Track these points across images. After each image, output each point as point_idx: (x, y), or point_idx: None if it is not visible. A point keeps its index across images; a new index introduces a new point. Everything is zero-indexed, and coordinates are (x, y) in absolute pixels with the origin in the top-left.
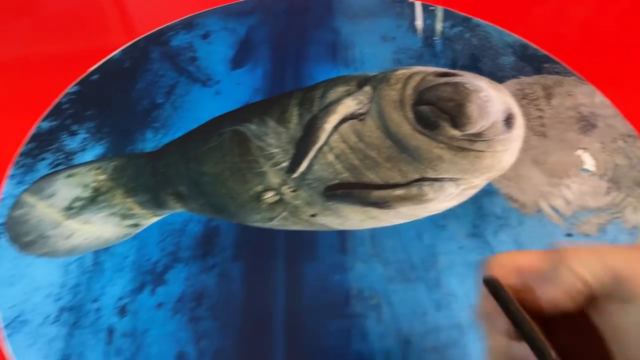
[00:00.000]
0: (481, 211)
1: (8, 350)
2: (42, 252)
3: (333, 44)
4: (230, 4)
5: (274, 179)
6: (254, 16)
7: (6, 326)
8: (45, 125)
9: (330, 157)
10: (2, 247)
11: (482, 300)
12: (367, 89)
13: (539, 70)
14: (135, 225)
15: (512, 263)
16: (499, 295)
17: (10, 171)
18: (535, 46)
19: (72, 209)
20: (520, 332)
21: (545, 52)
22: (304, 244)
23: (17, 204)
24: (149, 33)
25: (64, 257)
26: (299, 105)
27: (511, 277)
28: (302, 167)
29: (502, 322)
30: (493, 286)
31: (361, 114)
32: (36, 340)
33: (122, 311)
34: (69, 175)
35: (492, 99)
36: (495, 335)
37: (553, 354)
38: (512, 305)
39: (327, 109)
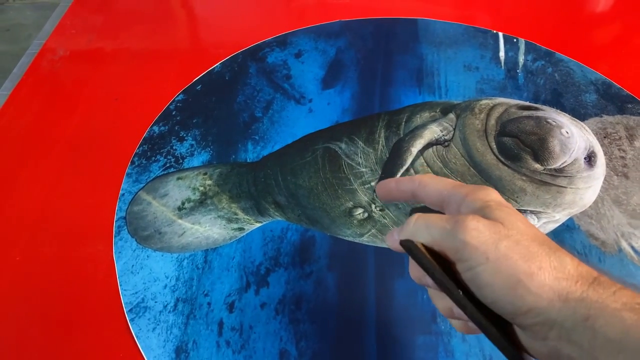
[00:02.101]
0: (561, 245)
1: (131, 333)
2: (158, 246)
3: (418, 69)
4: (320, 24)
5: (363, 196)
6: (342, 38)
7: (130, 311)
8: (156, 129)
9: None
10: (124, 238)
11: (412, 266)
12: (452, 116)
13: (622, 110)
14: (240, 229)
15: (424, 222)
16: (412, 252)
17: (127, 170)
18: (618, 85)
19: (183, 209)
20: (432, 278)
21: (629, 93)
22: (393, 260)
23: (135, 200)
24: (245, 48)
25: (178, 252)
26: (386, 128)
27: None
28: None
29: (429, 280)
30: (408, 246)
31: (446, 140)
32: (157, 326)
33: (231, 307)
34: (179, 178)
35: (574, 136)
36: (432, 293)
37: (459, 291)
38: (424, 259)
39: (413, 133)
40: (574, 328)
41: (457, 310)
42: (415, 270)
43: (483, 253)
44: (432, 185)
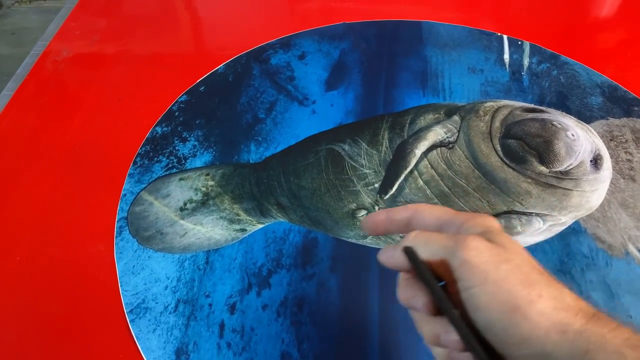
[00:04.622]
0: (568, 249)
1: (132, 334)
2: (160, 247)
3: (422, 71)
4: (323, 27)
5: (366, 198)
6: (346, 40)
7: (130, 311)
8: (159, 130)
9: (420, 182)
10: (126, 239)
11: (401, 287)
12: (456, 118)
13: (628, 113)
14: (243, 230)
15: (424, 235)
16: (414, 259)
17: (129, 170)
18: (624, 88)
19: (185, 210)
20: (430, 289)
21: (635, 95)
22: None
23: (137, 200)
24: (249, 50)
25: (179, 253)
26: (390, 129)
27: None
28: (393, 189)
29: (420, 304)
30: (410, 252)
31: (450, 143)
32: (157, 327)
33: (232, 309)
34: (182, 179)
35: (579, 138)
36: (418, 317)
37: (455, 310)
38: (425, 268)
39: (417, 134)
40: None
41: (445, 338)
42: (405, 291)
43: (482, 273)
44: (429, 212)
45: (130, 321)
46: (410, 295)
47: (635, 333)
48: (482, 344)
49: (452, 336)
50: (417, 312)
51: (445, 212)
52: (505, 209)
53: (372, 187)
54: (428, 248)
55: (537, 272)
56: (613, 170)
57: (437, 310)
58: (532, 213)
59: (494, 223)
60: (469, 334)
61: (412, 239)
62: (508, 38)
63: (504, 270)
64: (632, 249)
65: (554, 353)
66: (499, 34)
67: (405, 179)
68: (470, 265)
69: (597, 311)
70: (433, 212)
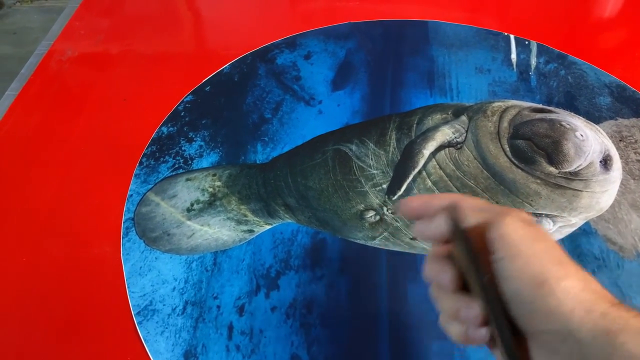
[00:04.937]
0: (578, 250)
1: (139, 336)
2: (167, 248)
3: (429, 71)
4: (329, 26)
5: (374, 199)
6: (352, 40)
7: (137, 313)
8: (165, 130)
9: (429, 182)
10: (132, 240)
11: (429, 262)
12: (464, 118)
13: (637, 113)
14: (250, 231)
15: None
16: (455, 216)
17: (135, 171)
18: (633, 88)
19: (192, 211)
20: (464, 252)
21: None
22: (405, 265)
23: (143, 201)
24: (255, 49)
25: (187, 254)
26: (397, 130)
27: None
28: (401, 190)
29: (447, 278)
30: (452, 209)
31: (458, 143)
32: (165, 329)
33: (241, 310)
34: (188, 179)
35: (588, 139)
36: (441, 294)
37: (485, 276)
38: (461, 228)
39: (425, 135)
40: (592, 343)
41: (465, 312)
42: (432, 266)
43: (517, 247)
44: (469, 201)
45: (137, 323)
46: (438, 269)
47: None
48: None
49: (474, 311)
50: (439, 288)
51: (485, 203)
52: None
53: (380, 187)
54: (470, 214)
55: (566, 256)
56: (623, 171)
57: (462, 286)
58: (542, 214)
59: (529, 216)
60: (495, 299)
61: (455, 203)
62: (515, 38)
63: (538, 248)
64: None
65: (576, 331)
66: (506, 34)
67: (414, 180)
68: (507, 238)
69: (619, 302)
70: (473, 202)
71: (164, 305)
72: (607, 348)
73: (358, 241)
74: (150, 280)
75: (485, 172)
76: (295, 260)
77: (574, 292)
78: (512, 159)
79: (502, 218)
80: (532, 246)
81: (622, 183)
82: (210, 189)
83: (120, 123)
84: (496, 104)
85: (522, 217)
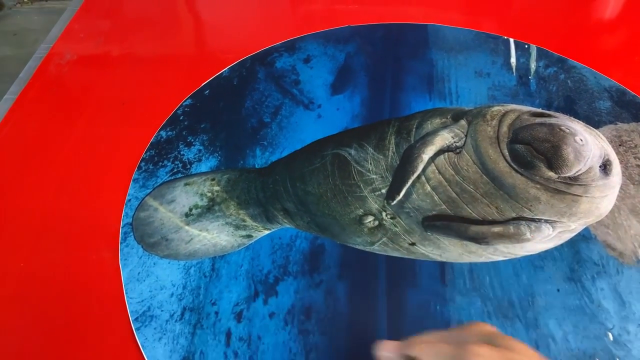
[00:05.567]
0: (578, 256)
1: (137, 342)
2: (165, 254)
3: (429, 75)
4: (328, 30)
5: (373, 204)
6: (352, 43)
7: (135, 319)
8: (164, 134)
9: (428, 187)
10: (131, 245)
11: None
12: (463, 122)
13: (637, 118)
14: (249, 236)
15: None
16: None
17: (133, 175)
18: (633, 92)
19: (191, 216)
20: None
21: None
22: (404, 270)
23: (142, 206)
24: (254, 53)
25: (185, 260)
26: (396, 134)
27: None
28: (400, 194)
29: None
30: None
31: (457, 147)
32: (163, 336)
33: (239, 317)
34: (187, 184)
35: (588, 143)
36: None
37: None
38: None
39: (424, 139)
40: None
41: None
42: None
43: None
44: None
45: (135, 329)
46: None
47: None
48: None
49: None
50: None
51: (450, 349)
52: (514, 215)
53: (379, 192)
54: (435, 357)
55: None
56: (623, 175)
57: None
58: (542, 219)
59: (490, 327)
60: None
61: (419, 349)
62: (515, 41)
63: None
64: None
65: None
66: (506, 38)
67: (413, 185)
68: None
69: None
70: (432, 348)
71: (162, 311)
72: None
73: (357, 247)
74: (149, 285)
75: (484, 176)
76: (294, 266)
77: None
78: (512, 164)
79: (470, 353)
80: None
81: (621, 188)
82: (209, 194)
83: (119, 127)
84: (495, 108)
85: (487, 345)
